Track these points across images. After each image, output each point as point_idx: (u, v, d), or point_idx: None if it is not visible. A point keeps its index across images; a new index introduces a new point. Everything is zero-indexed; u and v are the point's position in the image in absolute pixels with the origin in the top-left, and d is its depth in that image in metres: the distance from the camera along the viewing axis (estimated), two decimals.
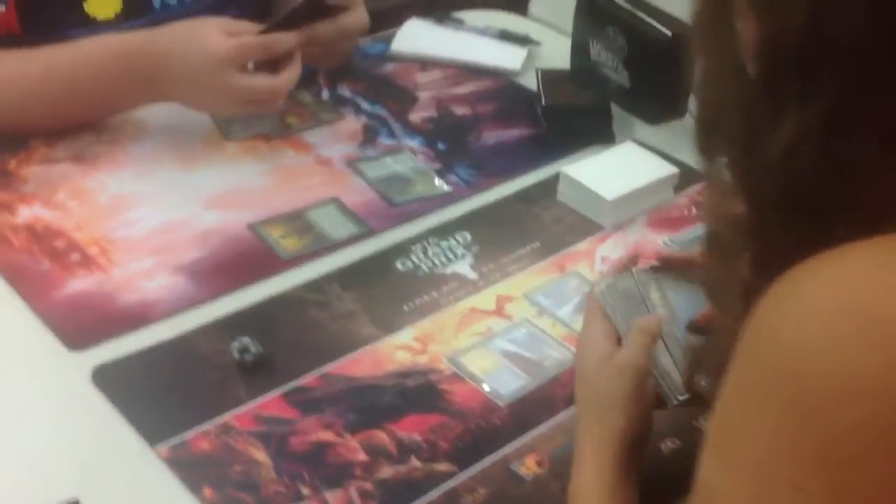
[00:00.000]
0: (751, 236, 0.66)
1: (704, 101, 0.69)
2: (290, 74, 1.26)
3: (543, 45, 1.60)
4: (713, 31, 0.66)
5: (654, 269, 0.94)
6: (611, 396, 0.84)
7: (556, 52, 1.55)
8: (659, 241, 1.20)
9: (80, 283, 1.11)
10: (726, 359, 0.69)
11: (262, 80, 1.25)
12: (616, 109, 1.40)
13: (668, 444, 0.94)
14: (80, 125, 1.33)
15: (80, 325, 1.06)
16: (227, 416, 0.96)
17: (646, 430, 0.85)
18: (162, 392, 0.99)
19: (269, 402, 0.98)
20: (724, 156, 0.68)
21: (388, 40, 1.59)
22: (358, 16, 1.34)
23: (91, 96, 1.30)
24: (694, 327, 0.89)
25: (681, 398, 0.86)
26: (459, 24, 1.65)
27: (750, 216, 0.66)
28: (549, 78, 1.42)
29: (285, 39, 1.25)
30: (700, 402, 0.91)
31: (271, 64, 1.27)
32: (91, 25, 1.35)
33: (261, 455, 0.92)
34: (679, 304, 0.91)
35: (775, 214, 0.64)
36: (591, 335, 0.90)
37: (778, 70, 0.61)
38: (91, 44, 1.29)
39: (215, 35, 1.23)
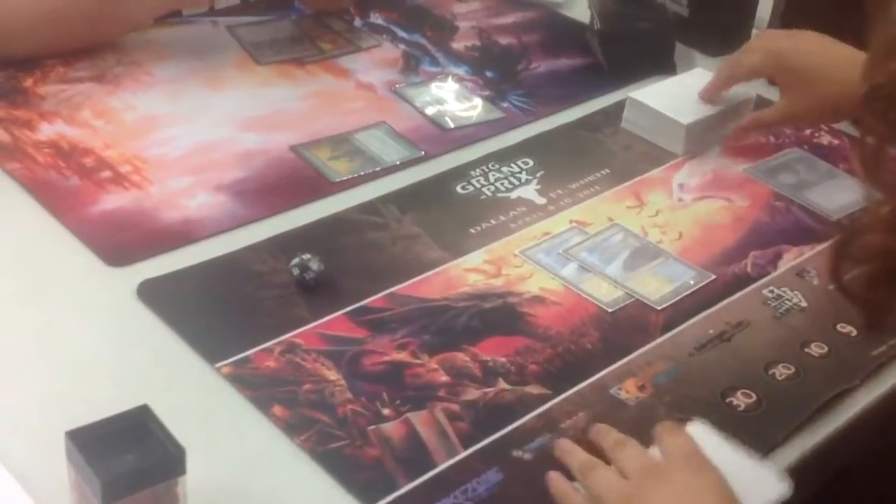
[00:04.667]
0: None
1: None
2: None
3: None
4: None
5: None
6: None
7: None
8: (738, 170, 1.13)
9: (114, 200, 1.02)
10: (885, 252, 0.62)
11: None
12: None
13: (780, 371, 0.87)
14: (95, 45, 1.25)
15: (119, 242, 0.97)
16: (291, 335, 0.87)
17: None
18: (215, 310, 0.90)
19: (333, 320, 0.89)
20: None
21: None
22: None
23: (101, 11, 1.21)
24: None
25: None
26: None
27: None
28: (601, 5, 1.34)
29: None
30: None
31: None
32: None
33: (332, 374, 0.84)
34: None
35: None
36: None
37: None
38: None
39: None
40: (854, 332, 0.90)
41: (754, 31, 1.36)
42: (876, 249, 0.62)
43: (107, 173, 1.06)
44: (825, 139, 1.19)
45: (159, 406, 0.69)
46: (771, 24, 1.30)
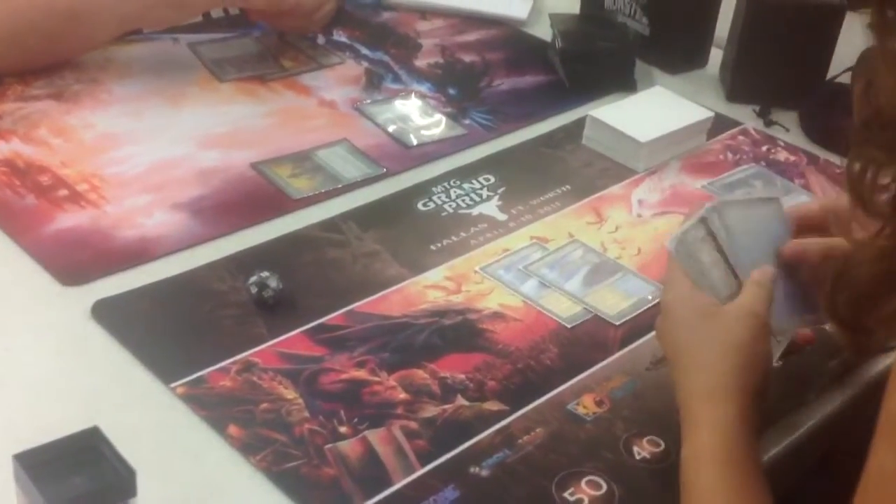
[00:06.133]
0: None
1: None
2: None
3: None
4: None
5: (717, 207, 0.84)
6: (729, 340, 0.75)
7: (561, 3, 1.49)
8: (696, 186, 1.13)
9: (71, 219, 1.01)
10: (870, 275, 0.62)
11: None
12: None
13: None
14: (54, 64, 1.24)
15: (74, 261, 0.96)
16: (248, 354, 0.86)
17: (766, 383, 0.75)
18: (171, 329, 0.89)
19: (292, 339, 0.89)
20: None
21: None
22: None
23: (61, 30, 1.21)
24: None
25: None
26: None
27: None
28: (563, 23, 1.35)
29: None
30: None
31: None
32: None
33: (290, 393, 0.83)
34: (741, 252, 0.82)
35: None
36: (682, 291, 0.80)
37: None
38: None
39: None
40: (809, 346, 0.90)
41: (713, 51, 1.37)
42: (868, 279, 0.63)
43: (63, 192, 1.05)
44: (782, 155, 1.20)
45: (113, 427, 0.68)
46: (730, 43, 1.31)
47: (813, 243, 0.82)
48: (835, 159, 1.18)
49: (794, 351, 0.84)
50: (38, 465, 0.63)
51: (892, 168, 0.61)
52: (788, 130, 1.25)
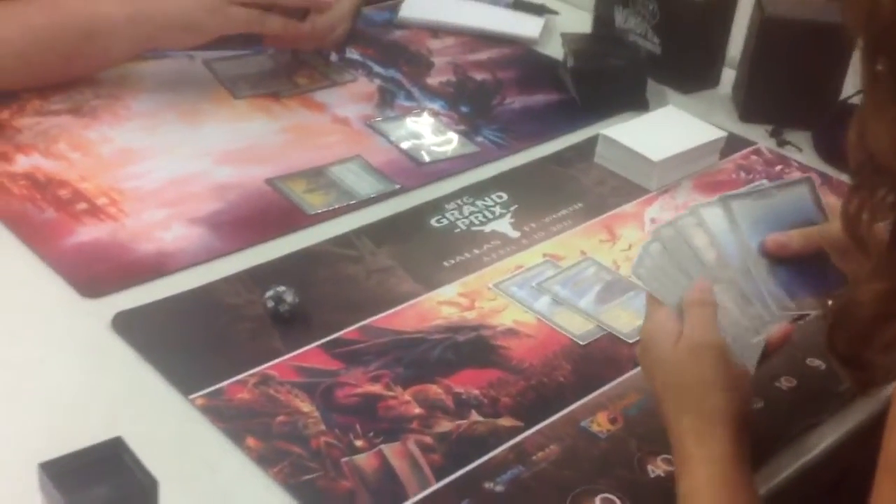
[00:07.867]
0: None
1: None
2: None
3: (560, 14, 1.54)
4: None
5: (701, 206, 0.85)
6: (698, 381, 0.76)
7: (573, 22, 1.50)
8: None
9: (90, 232, 1.03)
10: (869, 315, 0.63)
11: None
12: None
13: None
14: (73, 80, 1.25)
15: (94, 274, 0.97)
16: (265, 367, 0.87)
17: (749, 405, 0.77)
18: (190, 341, 0.90)
19: (308, 353, 0.90)
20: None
21: (394, 9, 1.53)
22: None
23: (76, 49, 1.22)
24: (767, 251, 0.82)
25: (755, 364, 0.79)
26: None
27: None
28: (575, 43, 1.36)
29: None
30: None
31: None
32: None
33: (306, 406, 0.84)
34: (744, 234, 0.83)
35: None
36: (652, 320, 0.82)
37: None
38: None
39: None
40: (823, 366, 0.91)
41: (725, 70, 1.38)
42: (866, 320, 0.64)
43: (82, 205, 1.07)
44: (795, 175, 1.21)
45: (133, 437, 0.69)
46: (742, 63, 1.32)
47: (795, 233, 0.83)
48: (848, 179, 1.18)
49: (770, 354, 0.83)
50: (62, 473, 0.64)
51: (887, 211, 0.62)
52: (801, 150, 1.26)
